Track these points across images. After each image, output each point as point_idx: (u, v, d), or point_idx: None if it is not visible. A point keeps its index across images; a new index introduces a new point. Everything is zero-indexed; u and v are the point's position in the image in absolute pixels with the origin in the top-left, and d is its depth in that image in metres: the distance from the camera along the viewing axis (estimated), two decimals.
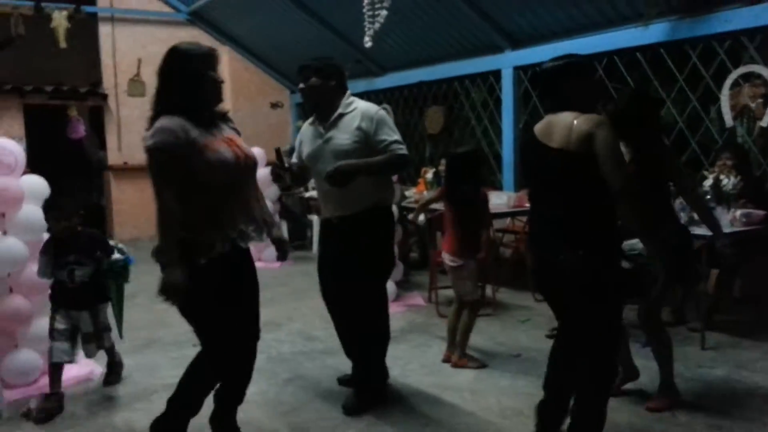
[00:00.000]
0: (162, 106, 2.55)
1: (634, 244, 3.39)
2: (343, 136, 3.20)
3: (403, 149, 3.22)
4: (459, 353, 3.99)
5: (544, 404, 2.86)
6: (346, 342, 3.55)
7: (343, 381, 3.71)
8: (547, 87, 2.73)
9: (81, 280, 3.53)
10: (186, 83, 2.56)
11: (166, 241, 2.49)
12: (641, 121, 3.29)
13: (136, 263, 3.92)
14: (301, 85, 3.30)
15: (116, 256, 3.71)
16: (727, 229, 4.24)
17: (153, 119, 2.55)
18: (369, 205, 3.24)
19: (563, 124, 2.54)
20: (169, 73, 2.58)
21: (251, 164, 2.71)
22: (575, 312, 2.64)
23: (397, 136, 3.22)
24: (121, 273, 3.74)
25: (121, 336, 3.88)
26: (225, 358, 2.70)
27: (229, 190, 2.58)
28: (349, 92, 3.35)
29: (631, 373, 3.49)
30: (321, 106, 3.30)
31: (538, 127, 2.68)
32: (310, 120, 3.43)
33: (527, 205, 5.01)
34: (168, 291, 2.49)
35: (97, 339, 3.66)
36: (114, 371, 3.87)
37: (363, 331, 3.42)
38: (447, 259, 3.95)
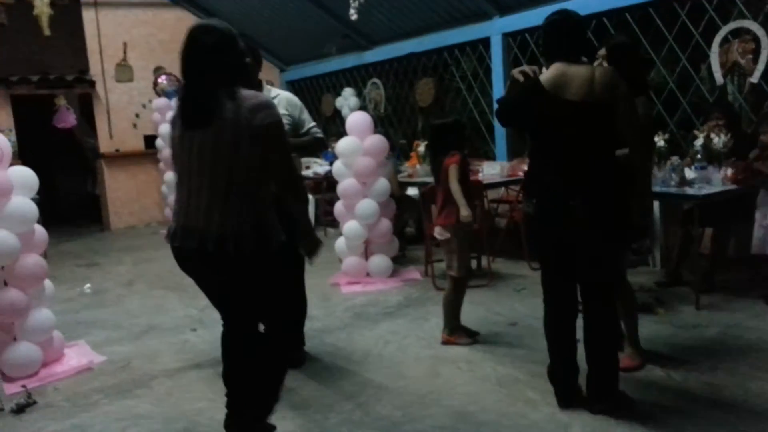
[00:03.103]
0: (231, 81, 2.41)
1: None
2: None
3: (320, 132, 3.65)
4: (447, 330, 3.96)
5: (555, 369, 2.97)
6: None
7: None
8: (557, 40, 2.80)
9: None
10: (243, 61, 2.61)
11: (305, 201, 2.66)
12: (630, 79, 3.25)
13: (134, 251, 3.93)
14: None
15: None
16: (719, 188, 4.25)
17: (211, 94, 2.37)
18: None
19: (582, 77, 2.65)
20: (239, 50, 2.48)
21: None
22: (591, 255, 2.77)
23: (314, 122, 3.61)
24: None
25: None
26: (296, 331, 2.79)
27: None
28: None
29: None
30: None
31: (548, 81, 2.69)
32: None
33: (521, 173, 5.00)
34: (317, 248, 2.66)
35: None
36: None
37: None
38: (436, 232, 3.94)
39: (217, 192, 2.38)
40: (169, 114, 8.67)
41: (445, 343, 3.94)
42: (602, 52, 3.30)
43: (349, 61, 9.07)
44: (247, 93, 2.40)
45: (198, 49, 2.39)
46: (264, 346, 2.64)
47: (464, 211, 3.78)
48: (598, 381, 2.87)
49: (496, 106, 3.07)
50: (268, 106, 2.43)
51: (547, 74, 2.72)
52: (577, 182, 2.71)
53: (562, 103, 2.66)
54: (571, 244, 2.80)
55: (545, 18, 2.86)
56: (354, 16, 6.40)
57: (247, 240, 2.38)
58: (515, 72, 2.79)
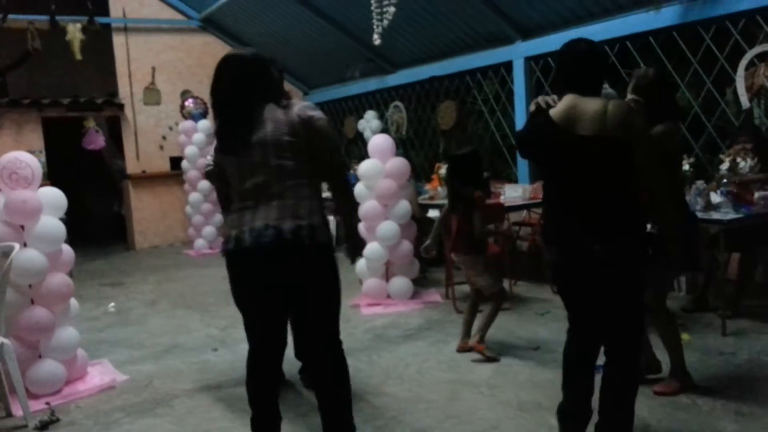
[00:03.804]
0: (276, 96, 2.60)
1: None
2: None
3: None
4: (479, 337, 4.03)
5: (568, 409, 2.74)
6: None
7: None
8: (566, 71, 2.62)
9: None
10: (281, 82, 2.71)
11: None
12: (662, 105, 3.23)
13: (158, 270, 4.00)
14: None
15: None
16: (746, 213, 4.19)
17: (257, 105, 2.54)
18: None
19: (594, 111, 2.46)
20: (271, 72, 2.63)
21: None
22: (617, 302, 2.56)
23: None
24: None
25: None
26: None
27: None
28: None
29: (654, 364, 3.44)
30: None
31: (558, 114, 2.52)
32: None
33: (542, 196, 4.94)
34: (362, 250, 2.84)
35: None
36: None
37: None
38: (456, 258, 4.02)
39: (285, 188, 2.45)
40: (196, 136, 8.90)
41: (473, 348, 4.03)
42: (632, 87, 3.26)
43: (372, 84, 9.15)
44: (291, 101, 2.59)
45: (239, 72, 2.55)
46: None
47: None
48: None
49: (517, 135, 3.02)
50: (316, 108, 2.61)
51: (557, 108, 2.55)
52: (595, 224, 2.51)
53: (573, 138, 2.47)
54: (595, 289, 2.58)
55: (560, 48, 2.70)
56: (377, 41, 6.47)
57: (320, 231, 2.47)
58: (534, 102, 2.71)
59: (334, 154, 2.63)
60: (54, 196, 3.96)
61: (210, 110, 9.75)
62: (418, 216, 5.96)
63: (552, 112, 2.54)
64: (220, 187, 2.85)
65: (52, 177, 7.90)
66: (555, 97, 2.65)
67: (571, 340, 2.75)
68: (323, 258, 2.51)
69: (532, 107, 2.71)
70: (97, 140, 9.43)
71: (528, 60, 6.96)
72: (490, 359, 3.95)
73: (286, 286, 2.48)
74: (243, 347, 4.38)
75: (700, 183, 4.45)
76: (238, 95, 2.54)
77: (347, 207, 2.79)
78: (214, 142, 2.71)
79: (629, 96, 3.22)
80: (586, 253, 2.51)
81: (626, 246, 2.52)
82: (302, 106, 2.56)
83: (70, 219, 4.23)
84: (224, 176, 2.63)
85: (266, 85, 2.57)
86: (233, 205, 2.58)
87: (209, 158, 3.63)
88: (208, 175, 3.84)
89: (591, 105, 2.48)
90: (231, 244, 2.48)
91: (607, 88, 2.88)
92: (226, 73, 2.56)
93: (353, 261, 2.85)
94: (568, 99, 2.54)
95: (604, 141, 2.45)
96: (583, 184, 2.52)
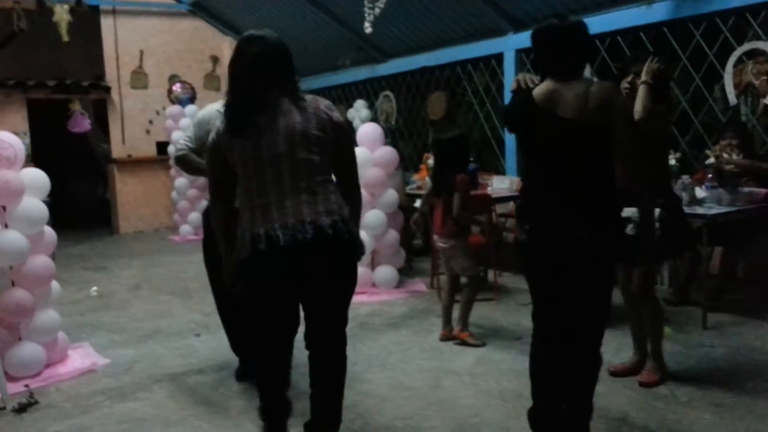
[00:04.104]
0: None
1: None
2: None
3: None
4: (461, 326, 4.07)
5: (540, 412, 2.67)
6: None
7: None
8: (546, 54, 2.53)
9: None
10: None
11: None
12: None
13: (142, 255, 3.96)
14: None
15: None
16: (730, 208, 4.22)
17: (266, 99, 2.42)
18: None
19: (575, 93, 2.41)
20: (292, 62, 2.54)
21: None
22: (585, 288, 2.50)
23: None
24: None
25: None
26: None
27: None
28: None
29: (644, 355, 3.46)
30: None
31: (540, 95, 2.46)
32: None
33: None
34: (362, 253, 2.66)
35: None
36: None
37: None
38: (438, 240, 4.05)
39: (314, 182, 2.39)
40: (183, 121, 8.83)
41: (457, 336, 4.05)
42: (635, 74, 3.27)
43: (362, 73, 9.11)
44: (308, 96, 2.49)
45: (258, 56, 2.42)
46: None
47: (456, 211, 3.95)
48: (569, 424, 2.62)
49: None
50: (335, 108, 2.57)
51: (539, 89, 2.48)
52: (575, 205, 2.45)
53: (554, 119, 2.41)
54: (566, 274, 2.50)
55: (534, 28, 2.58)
56: (369, 30, 6.43)
57: (352, 224, 2.47)
58: (515, 80, 2.64)
59: (353, 162, 2.62)
60: (37, 178, 3.92)
61: (197, 95, 9.66)
62: (405, 205, 5.96)
63: (534, 92, 2.48)
64: (215, 174, 2.54)
65: (36, 159, 7.79)
66: (534, 77, 2.57)
67: (538, 338, 2.67)
68: (354, 250, 2.50)
69: (514, 85, 2.65)
70: (82, 123, 9.32)
71: (519, 52, 6.94)
72: (475, 346, 3.97)
73: (318, 278, 2.42)
74: (224, 337, 4.33)
75: (685, 178, 4.48)
76: (258, 78, 2.41)
77: (356, 211, 2.65)
78: (216, 125, 2.51)
79: (643, 78, 3.19)
80: (564, 233, 2.44)
81: (604, 229, 2.46)
82: (327, 103, 2.51)
83: (53, 202, 4.19)
84: (225, 162, 2.45)
85: (288, 74, 2.47)
86: (247, 200, 2.41)
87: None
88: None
89: (572, 90, 2.42)
90: (263, 245, 2.31)
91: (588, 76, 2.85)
92: (249, 53, 2.43)
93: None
94: (547, 84, 2.48)
95: (585, 124, 2.40)
96: (565, 165, 2.45)
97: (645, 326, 3.39)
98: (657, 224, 3.14)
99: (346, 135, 2.57)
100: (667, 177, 3.36)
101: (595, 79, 3.21)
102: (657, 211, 3.15)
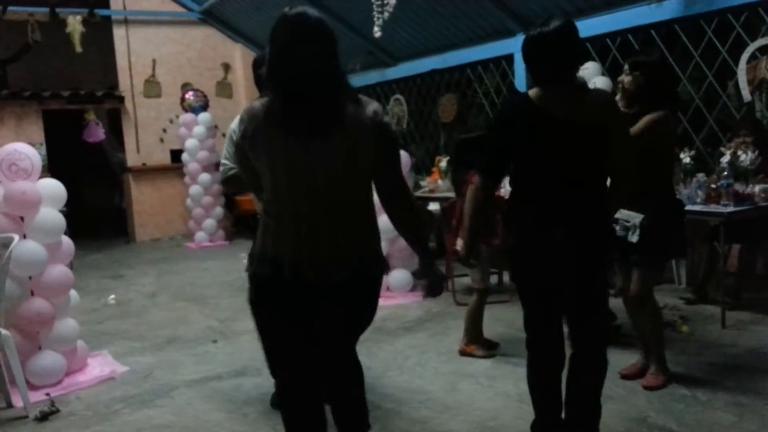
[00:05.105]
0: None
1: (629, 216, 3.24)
2: None
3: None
4: (465, 339, 3.98)
5: (542, 424, 2.61)
6: None
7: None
8: (536, 62, 2.46)
9: None
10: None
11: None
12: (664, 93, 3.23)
13: (158, 263, 3.97)
14: None
15: None
16: (745, 205, 4.18)
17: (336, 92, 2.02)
18: None
19: (570, 96, 2.38)
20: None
21: None
22: (578, 294, 2.47)
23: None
24: None
25: None
26: None
27: None
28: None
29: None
30: None
31: (536, 96, 2.41)
32: None
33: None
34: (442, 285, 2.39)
35: None
36: None
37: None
38: (459, 245, 3.95)
39: (355, 204, 2.09)
40: (197, 129, 8.90)
41: (462, 353, 3.96)
42: (626, 73, 3.27)
43: (373, 77, 9.13)
44: (360, 95, 2.08)
45: (318, 36, 1.98)
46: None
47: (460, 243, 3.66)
48: None
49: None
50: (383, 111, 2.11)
51: (531, 92, 2.45)
52: (562, 210, 2.39)
53: (550, 120, 2.36)
54: (554, 280, 2.46)
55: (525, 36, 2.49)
56: (378, 34, 6.45)
57: (383, 258, 2.20)
58: None
59: (402, 177, 2.21)
60: (53, 188, 3.96)
61: (209, 103, 9.66)
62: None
63: (531, 92, 2.45)
64: (252, 179, 2.18)
65: (52, 170, 7.89)
66: None
67: (533, 350, 2.60)
68: (380, 281, 2.24)
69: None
70: (97, 133, 9.42)
71: None
72: (483, 358, 3.89)
73: (340, 311, 2.15)
74: (242, 339, 4.41)
75: (700, 175, 4.45)
76: (305, 69, 1.95)
77: (417, 236, 2.27)
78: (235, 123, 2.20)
79: (624, 75, 3.22)
80: (547, 238, 2.39)
81: (591, 235, 2.42)
82: (377, 105, 2.06)
83: (70, 212, 4.24)
84: (248, 160, 2.09)
85: (338, 68, 2.03)
86: (271, 205, 2.07)
87: (224, 161, 3.19)
88: (230, 181, 3.17)
89: (568, 91, 2.39)
90: (287, 273, 2.01)
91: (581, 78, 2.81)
92: (303, 36, 1.96)
93: (433, 297, 2.39)
94: (536, 90, 2.43)
95: (580, 126, 2.35)
96: (556, 169, 2.38)
97: (645, 331, 3.37)
98: (638, 230, 3.13)
99: (392, 146, 2.15)
100: (665, 184, 3.27)
101: (592, 82, 3.19)
102: (639, 217, 3.15)
